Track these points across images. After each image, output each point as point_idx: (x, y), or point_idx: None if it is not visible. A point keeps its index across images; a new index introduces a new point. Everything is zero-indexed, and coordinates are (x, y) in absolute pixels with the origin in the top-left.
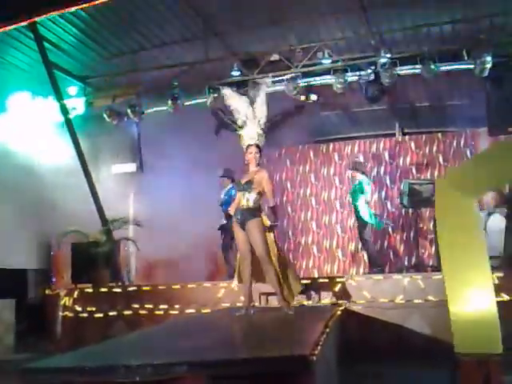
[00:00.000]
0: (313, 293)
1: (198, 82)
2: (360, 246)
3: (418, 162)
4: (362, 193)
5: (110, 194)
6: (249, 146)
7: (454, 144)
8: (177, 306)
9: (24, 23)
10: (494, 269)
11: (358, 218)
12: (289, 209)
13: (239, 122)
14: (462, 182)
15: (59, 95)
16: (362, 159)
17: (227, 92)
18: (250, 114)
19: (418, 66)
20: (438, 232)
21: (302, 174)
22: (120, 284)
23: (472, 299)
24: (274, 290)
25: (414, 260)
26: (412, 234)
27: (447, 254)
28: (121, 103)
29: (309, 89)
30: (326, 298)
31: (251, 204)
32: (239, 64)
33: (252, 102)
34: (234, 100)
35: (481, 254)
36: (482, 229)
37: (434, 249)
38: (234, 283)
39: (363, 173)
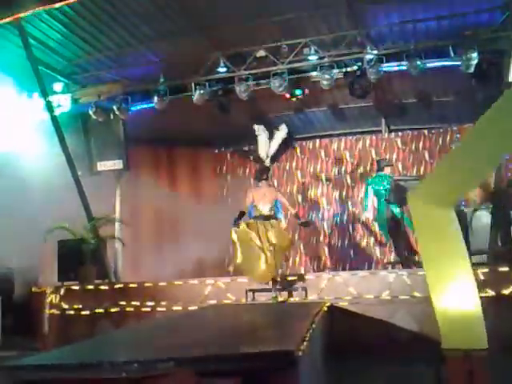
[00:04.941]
0: (299, 289)
1: (184, 78)
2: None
3: (405, 159)
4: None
5: (96, 191)
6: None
7: (440, 141)
8: (163, 303)
9: (9, 19)
10: (479, 265)
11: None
12: None
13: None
14: (434, 194)
15: (45, 92)
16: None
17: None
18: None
19: (404, 63)
20: (419, 244)
21: (288, 171)
22: (107, 281)
23: (455, 296)
24: None
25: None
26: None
27: (429, 263)
28: (107, 100)
29: (295, 85)
30: (313, 295)
31: None
32: (225, 60)
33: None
34: (262, 134)
35: (462, 257)
36: (461, 230)
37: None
38: None
39: (378, 169)
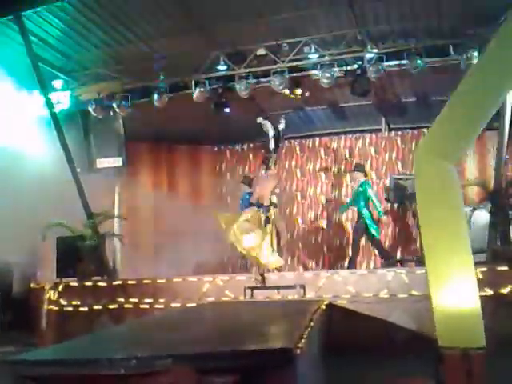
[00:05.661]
0: (298, 287)
1: (184, 75)
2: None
3: (404, 158)
4: (367, 198)
5: (95, 188)
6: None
7: None
8: (162, 300)
9: (9, 16)
10: (477, 264)
11: (363, 220)
12: None
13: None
14: (437, 146)
15: (44, 89)
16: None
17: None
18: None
19: (404, 61)
20: (418, 207)
21: (287, 169)
22: (105, 278)
23: (455, 293)
24: None
25: (398, 255)
26: (397, 229)
27: (428, 236)
28: (106, 97)
29: (295, 83)
30: (311, 293)
31: None
32: (225, 58)
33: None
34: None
35: (462, 234)
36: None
37: (418, 243)
38: None
39: (366, 174)
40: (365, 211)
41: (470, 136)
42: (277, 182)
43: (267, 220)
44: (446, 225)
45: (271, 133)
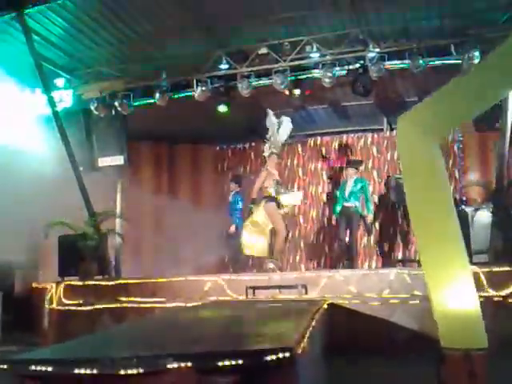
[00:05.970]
0: (299, 287)
1: (186, 74)
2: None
3: None
4: (364, 195)
5: (97, 186)
6: (274, 153)
7: None
8: (163, 300)
9: (12, 15)
10: (480, 264)
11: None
12: None
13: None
14: (423, 120)
15: (47, 87)
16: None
17: (270, 113)
18: (276, 132)
19: (406, 61)
20: (406, 187)
21: (289, 168)
22: (107, 277)
23: (452, 293)
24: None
25: (400, 255)
26: (399, 229)
27: (417, 217)
28: (109, 95)
29: (297, 82)
30: (313, 292)
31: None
32: (227, 57)
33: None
34: (271, 119)
35: (452, 228)
36: (462, 229)
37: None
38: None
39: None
40: (359, 207)
41: (458, 119)
42: (267, 174)
43: (250, 212)
44: (434, 218)
45: (288, 127)
